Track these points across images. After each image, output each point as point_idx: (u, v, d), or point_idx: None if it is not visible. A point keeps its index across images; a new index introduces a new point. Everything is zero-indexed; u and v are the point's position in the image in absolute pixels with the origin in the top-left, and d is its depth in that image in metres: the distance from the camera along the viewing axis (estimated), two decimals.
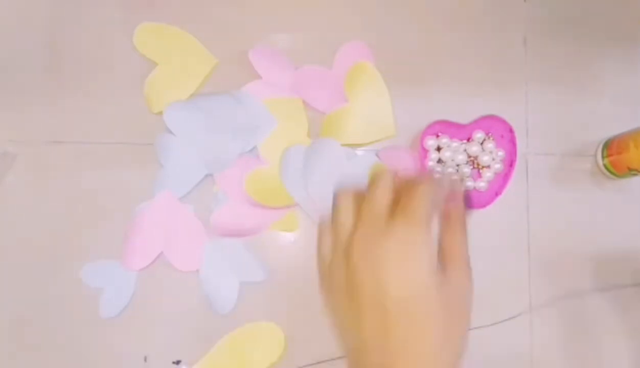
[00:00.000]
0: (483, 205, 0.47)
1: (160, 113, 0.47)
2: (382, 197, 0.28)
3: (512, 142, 0.47)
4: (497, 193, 0.47)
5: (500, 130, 0.48)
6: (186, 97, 0.48)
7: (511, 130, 0.47)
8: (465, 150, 0.48)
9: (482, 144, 0.48)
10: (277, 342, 0.46)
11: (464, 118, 0.49)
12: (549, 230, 0.49)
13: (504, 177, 0.47)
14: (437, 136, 0.48)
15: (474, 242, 0.50)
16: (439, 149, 0.48)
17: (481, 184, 0.47)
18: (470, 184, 0.48)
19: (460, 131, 0.48)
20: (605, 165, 0.49)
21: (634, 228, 0.50)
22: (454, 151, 0.48)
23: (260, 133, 0.47)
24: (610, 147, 0.48)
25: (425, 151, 0.48)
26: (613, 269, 0.49)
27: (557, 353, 0.48)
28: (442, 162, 0.48)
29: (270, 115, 0.48)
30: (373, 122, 0.48)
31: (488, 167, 0.47)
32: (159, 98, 0.48)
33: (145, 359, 0.46)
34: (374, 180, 0.29)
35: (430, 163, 0.47)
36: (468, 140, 0.48)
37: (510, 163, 0.47)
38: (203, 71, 0.48)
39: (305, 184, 0.46)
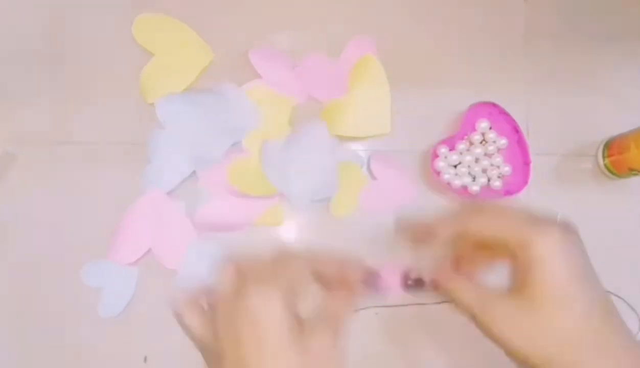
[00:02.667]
0: (524, 183, 0.47)
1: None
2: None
3: (503, 113, 0.48)
4: (526, 163, 0.47)
5: (506, 131, 0.48)
6: (181, 89, 0.48)
7: (494, 105, 0.47)
8: (469, 150, 0.48)
9: (484, 134, 0.48)
10: None
11: (462, 118, 0.49)
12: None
13: (519, 144, 0.48)
14: (451, 148, 0.48)
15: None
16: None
17: (505, 169, 0.48)
18: (483, 181, 0.48)
19: (455, 140, 0.48)
20: (606, 165, 0.48)
21: (634, 228, 0.50)
22: (460, 154, 0.48)
23: (245, 130, 0.48)
24: (611, 147, 0.48)
25: (438, 173, 0.48)
26: (613, 270, 0.49)
27: None
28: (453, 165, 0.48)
29: (255, 110, 0.48)
30: (370, 116, 0.49)
31: (498, 167, 0.48)
32: (153, 88, 0.48)
33: (145, 359, 0.46)
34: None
35: (441, 163, 0.47)
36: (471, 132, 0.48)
37: (514, 130, 0.48)
38: (200, 64, 0.49)
39: (289, 169, 0.46)
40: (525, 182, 0.47)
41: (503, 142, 0.48)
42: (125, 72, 0.49)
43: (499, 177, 0.48)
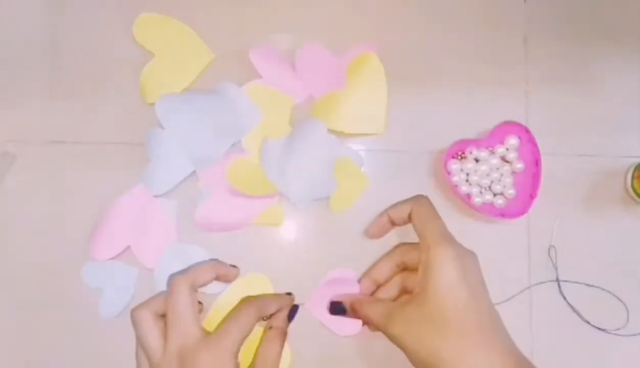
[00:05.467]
0: (521, 212, 0.47)
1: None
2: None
3: (532, 142, 0.47)
4: (532, 196, 0.47)
5: (527, 159, 0.48)
6: (181, 89, 0.48)
7: (527, 131, 0.47)
8: (486, 160, 0.48)
9: (506, 150, 0.48)
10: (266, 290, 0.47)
11: (462, 118, 0.49)
12: (549, 229, 0.49)
13: (533, 177, 0.47)
14: (460, 158, 0.48)
15: (475, 242, 0.50)
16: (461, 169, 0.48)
17: (510, 191, 0.47)
18: (497, 190, 0.48)
19: (481, 144, 0.48)
20: (634, 187, 0.48)
21: (634, 226, 0.50)
22: (476, 166, 0.48)
23: (245, 129, 0.48)
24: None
25: (449, 173, 0.47)
26: (613, 267, 0.49)
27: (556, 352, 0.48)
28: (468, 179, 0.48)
29: (255, 109, 0.48)
30: (365, 113, 0.49)
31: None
32: (153, 88, 0.48)
33: None
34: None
35: (455, 178, 0.47)
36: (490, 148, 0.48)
37: (535, 162, 0.47)
38: (200, 64, 0.49)
39: (289, 168, 0.46)
40: (523, 213, 0.47)
41: (520, 166, 0.47)
42: (125, 72, 0.49)
43: (502, 196, 0.48)
